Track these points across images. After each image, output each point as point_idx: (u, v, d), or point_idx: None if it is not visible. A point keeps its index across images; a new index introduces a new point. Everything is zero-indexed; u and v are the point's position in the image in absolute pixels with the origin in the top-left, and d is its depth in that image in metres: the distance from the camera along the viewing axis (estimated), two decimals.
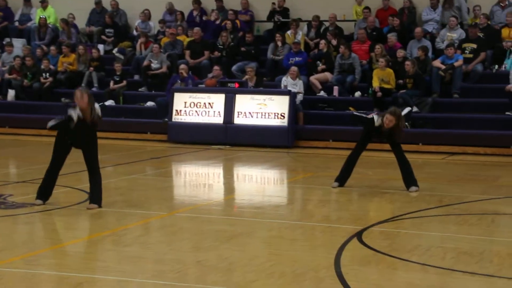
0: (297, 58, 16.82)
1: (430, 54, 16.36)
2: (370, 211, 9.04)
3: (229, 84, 16.06)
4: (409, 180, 9.87)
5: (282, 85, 16.03)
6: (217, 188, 11.05)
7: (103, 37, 19.80)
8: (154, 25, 19.84)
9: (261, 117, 15.53)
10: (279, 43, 17.42)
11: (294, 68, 16.07)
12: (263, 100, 15.57)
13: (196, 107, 15.97)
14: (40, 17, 20.17)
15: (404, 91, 15.29)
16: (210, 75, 16.89)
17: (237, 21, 18.88)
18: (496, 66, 16.19)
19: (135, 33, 19.81)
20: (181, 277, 5.79)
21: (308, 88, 16.48)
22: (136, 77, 18.32)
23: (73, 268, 6.03)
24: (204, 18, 19.51)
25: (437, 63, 15.83)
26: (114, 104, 17.10)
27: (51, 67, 18.40)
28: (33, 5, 21.04)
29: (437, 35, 17.01)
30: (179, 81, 16.55)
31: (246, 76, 16.35)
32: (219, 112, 15.80)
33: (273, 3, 19.13)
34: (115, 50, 19.14)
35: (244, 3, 19.35)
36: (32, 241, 7.18)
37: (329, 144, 15.24)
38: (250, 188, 10.96)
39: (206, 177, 12.29)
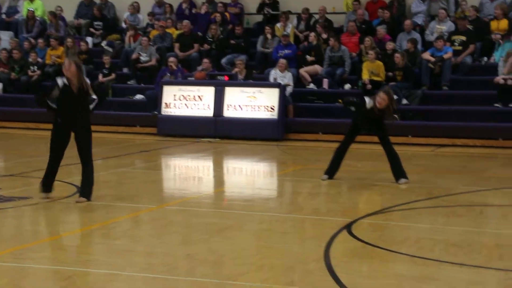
0: (286, 51, 16.80)
1: (419, 46, 16.38)
2: (359, 203, 9.07)
3: (218, 77, 16.03)
4: (398, 172, 9.90)
5: (272, 78, 16.01)
6: (206, 181, 11.04)
7: (92, 30, 19.70)
8: (143, 18, 19.74)
9: (251, 110, 15.50)
10: (269, 36, 17.38)
11: (282, 61, 16.04)
12: (252, 93, 15.55)
13: (185, 100, 15.92)
14: (28, 10, 20.02)
15: (393, 83, 15.30)
16: (199, 68, 16.85)
17: (227, 14, 18.82)
18: (485, 58, 16.25)
19: (123, 25, 19.72)
20: (171, 270, 5.78)
21: (298, 80, 16.46)
22: (125, 70, 18.24)
23: (63, 261, 6.01)
24: (193, 10, 19.44)
25: (426, 55, 15.86)
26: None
27: (39, 60, 18.29)
28: None
29: (427, 28, 17.04)
30: (169, 74, 16.49)
31: (236, 69, 16.31)
32: (208, 105, 15.76)
33: None
34: (103, 43, 19.06)
35: None
36: (20, 235, 7.15)
37: (319, 136, 15.26)
38: (240, 181, 10.96)
39: (196, 170, 12.27)
